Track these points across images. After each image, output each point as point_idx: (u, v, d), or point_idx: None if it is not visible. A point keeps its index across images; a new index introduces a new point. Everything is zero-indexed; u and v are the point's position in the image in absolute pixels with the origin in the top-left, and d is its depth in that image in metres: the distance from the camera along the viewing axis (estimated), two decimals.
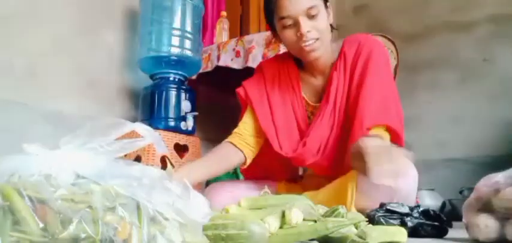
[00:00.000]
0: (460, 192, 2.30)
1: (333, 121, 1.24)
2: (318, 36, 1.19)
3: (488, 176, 0.77)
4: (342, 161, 1.22)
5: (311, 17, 1.17)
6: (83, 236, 0.39)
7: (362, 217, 0.85)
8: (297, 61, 1.34)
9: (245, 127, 1.32)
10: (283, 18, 1.19)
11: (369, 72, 1.20)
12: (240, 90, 1.38)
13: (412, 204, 1.21)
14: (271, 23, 1.27)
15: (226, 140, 1.31)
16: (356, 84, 1.22)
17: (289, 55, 1.36)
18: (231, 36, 2.13)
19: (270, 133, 1.29)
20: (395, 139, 1.21)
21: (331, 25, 1.26)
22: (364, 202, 1.17)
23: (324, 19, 1.20)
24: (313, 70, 1.30)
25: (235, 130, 1.33)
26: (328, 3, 1.25)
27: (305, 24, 1.16)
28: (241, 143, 1.29)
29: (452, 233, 1.03)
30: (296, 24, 1.18)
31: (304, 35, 1.16)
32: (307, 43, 1.18)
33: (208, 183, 1.54)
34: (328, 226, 0.70)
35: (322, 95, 1.29)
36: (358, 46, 1.25)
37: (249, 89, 1.35)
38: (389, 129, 1.18)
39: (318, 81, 1.31)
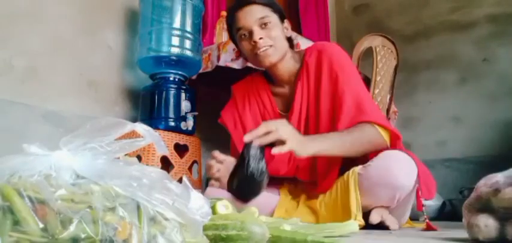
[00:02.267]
0: (460, 192, 2.31)
1: (298, 128, 1.27)
2: (270, 43, 1.27)
3: (488, 176, 0.77)
4: (318, 164, 1.27)
5: (263, 26, 1.27)
6: (83, 236, 0.39)
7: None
8: (266, 77, 1.42)
9: None
10: (239, 29, 1.29)
11: (339, 78, 1.26)
12: (221, 120, 1.49)
13: (412, 201, 1.21)
14: (233, 36, 1.37)
15: None
16: (327, 94, 1.28)
17: (260, 73, 1.46)
18: None
19: None
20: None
21: (289, 38, 1.35)
22: (367, 200, 1.17)
23: (277, 29, 1.29)
24: (279, 80, 1.37)
25: None
26: (285, 19, 1.35)
27: (257, 33, 1.26)
28: None
29: (452, 233, 1.03)
30: (251, 34, 1.27)
31: (257, 42, 1.26)
32: (260, 50, 1.26)
33: (208, 183, 1.54)
34: (307, 239, 0.69)
35: (289, 105, 1.35)
36: (318, 54, 1.32)
37: (225, 117, 1.47)
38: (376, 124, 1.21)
39: (286, 91, 1.38)
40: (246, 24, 1.27)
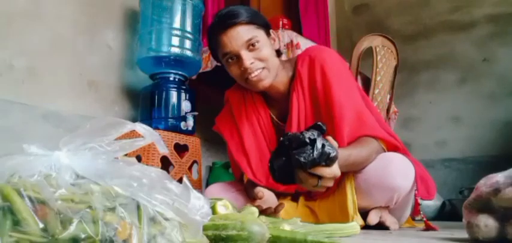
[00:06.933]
0: (460, 192, 2.31)
1: None
2: (262, 65, 1.19)
3: (488, 176, 0.77)
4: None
5: (252, 48, 1.18)
6: (83, 236, 0.39)
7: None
8: None
9: None
10: (225, 54, 1.20)
11: (333, 88, 1.19)
12: (216, 128, 1.45)
13: (411, 202, 1.21)
14: (218, 58, 1.29)
15: (246, 177, 1.37)
16: (323, 102, 1.22)
17: None
18: None
19: (242, 163, 1.33)
20: (388, 145, 1.22)
21: (277, 50, 1.27)
22: (365, 201, 1.17)
23: (267, 47, 1.21)
24: (274, 93, 1.31)
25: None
26: (270, 31, 1.26)
27: (247, 57, 1.17)
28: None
29: (452, 233, 1.03)
30: (239, 59, 1.19)
31: (248, 68, 1.18)
32: (252, 75, 1.19)
33: (208, 183, 1.54)
34: (307, 239, 0.69)
35: (286, 115, 1.30)
36: (310, 62, 1.25)
37: (221, 125, 1.42)
38: (376, 137, 1.18)
39: (281, 101, 1.32)
40: (232, 49, 1.18)
